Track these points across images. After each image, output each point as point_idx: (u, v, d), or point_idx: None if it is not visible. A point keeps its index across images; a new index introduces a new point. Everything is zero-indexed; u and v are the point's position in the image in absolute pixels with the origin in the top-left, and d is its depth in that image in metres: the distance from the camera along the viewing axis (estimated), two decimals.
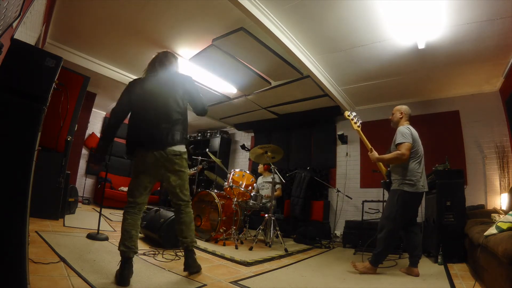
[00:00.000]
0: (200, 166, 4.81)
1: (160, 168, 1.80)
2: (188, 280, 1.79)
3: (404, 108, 2.70)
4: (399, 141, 2.42)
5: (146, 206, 1.88)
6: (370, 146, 2.61)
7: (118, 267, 1.64)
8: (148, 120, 1.79)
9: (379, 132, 4.09)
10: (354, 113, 2.77)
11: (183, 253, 1.98)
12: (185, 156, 1.87)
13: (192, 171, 4.93)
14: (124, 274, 1.57)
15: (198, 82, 4.82)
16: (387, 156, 2.51)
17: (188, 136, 1.93)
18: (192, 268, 1.88)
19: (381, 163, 2.68)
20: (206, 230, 3.58)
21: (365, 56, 3.67)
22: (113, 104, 6.26)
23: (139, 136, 1.82)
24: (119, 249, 1.66)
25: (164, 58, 1.95)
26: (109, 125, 1.93)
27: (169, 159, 1.78)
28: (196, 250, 2.53)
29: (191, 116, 2.16)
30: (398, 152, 2.39)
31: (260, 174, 5.08)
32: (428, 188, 2.51)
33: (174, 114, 1.81)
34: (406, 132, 2.45)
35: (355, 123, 2.74)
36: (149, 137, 1.77)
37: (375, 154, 2.57)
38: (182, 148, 1.84)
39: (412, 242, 2.50)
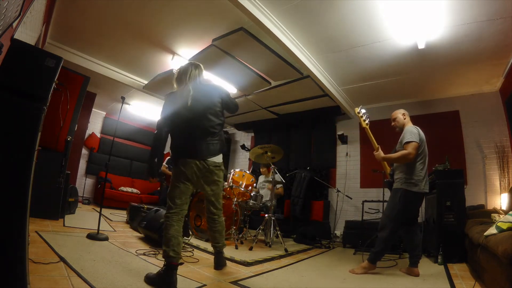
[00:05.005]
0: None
1: (200, 178, 1.92)
2: (187, 280, 1.79)
3: (403, 110, 2.71)
4: (407, 140, 2.40)
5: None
6: (377, 145, 2.56)
7: (162, 272, 1.64)
8: (189, 132, 1.89)
9: (379, 132, 4.02)
10: (363, 110, 2.70)
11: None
12: (223, 167, 2.01)
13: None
14: (172, 281, 1.61)
15: None
16: (393, 155, 2.48)
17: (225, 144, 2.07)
18: (221, 266, 2.12)
19: (385, 162, 2.66)
20: (206, 230, 3.57)
21: (365, 56, 3.66)
22: (113, 104, 6.20)
23: (181, 146, 1.92)
24: (167, 255, 1.67)
25: (193, 71, 1.98)
26: (155, 137, 2.06)
27: (210, 170, 1.91)
28: (195, 250, 2.54)
29: None
30: (405, 151, 2.37)
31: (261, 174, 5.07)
32: (428, 190, 2.50)
33: (214, 127, 1.92)
34: (414, 132, 2.43)
35: (364, 120, 2.68)
36: (191, 148, 1.87)
37: (381, 153, 2.53)
38: (220, 158, 1.97)
39: (412, 242, 2.50)
